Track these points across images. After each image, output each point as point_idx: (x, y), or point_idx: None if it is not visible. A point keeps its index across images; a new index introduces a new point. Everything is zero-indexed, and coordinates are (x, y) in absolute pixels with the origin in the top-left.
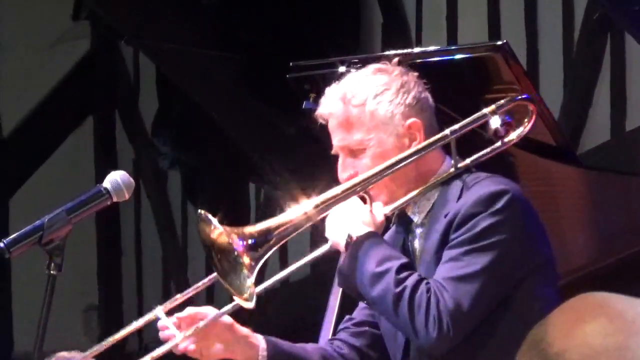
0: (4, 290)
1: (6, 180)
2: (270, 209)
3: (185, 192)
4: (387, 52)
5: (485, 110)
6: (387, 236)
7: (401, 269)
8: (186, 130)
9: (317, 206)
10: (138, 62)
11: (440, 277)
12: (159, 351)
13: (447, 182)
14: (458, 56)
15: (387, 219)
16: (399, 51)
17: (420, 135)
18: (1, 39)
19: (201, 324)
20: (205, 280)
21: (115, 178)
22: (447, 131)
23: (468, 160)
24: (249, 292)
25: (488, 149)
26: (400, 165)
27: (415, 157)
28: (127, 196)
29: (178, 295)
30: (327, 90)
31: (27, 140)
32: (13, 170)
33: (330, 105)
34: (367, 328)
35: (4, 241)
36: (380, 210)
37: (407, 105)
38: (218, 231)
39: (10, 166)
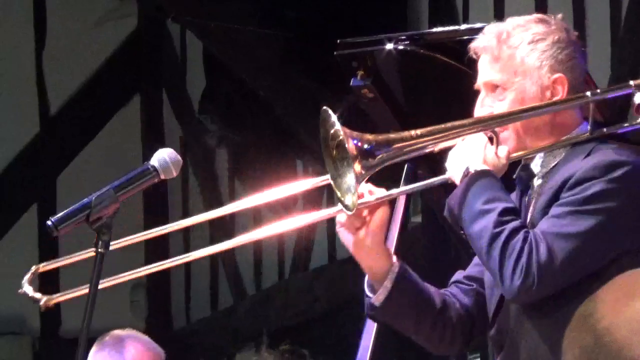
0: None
1: (54, 158)
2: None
3: (232, 170)
4: (434, 29)
5: (631, 82)
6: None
7: (506, 212)
8: (233, 107)
9: (443, 131)
10: (185, 40)
11: (539, 230)
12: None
13: (577, 145)
14: None
15: (509, 166)
16: (446, 28)
17: (564, 92)
18: (49, 17)
19: (373, 197)
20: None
21: (163, 156)
22: (587, 92)
23: (604, 129)
24: (351, 199)
25: (627, 124)
26: (534, 112)
27: (551, 108)
28: (174, 174)
29: None
30: (487, 26)
31: (74, 118)
32: (60, 148)
33: (486, 40)
34: (475, 285)
35: (52, 219)
36: (505, 154)
37: (558, 61)
38: (336, 130)
39: (57, 144)
